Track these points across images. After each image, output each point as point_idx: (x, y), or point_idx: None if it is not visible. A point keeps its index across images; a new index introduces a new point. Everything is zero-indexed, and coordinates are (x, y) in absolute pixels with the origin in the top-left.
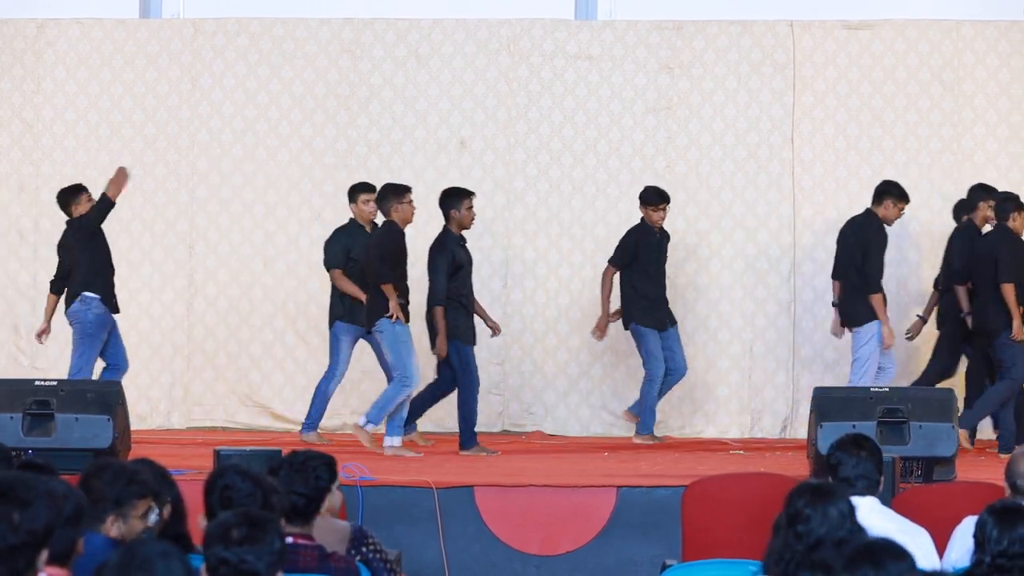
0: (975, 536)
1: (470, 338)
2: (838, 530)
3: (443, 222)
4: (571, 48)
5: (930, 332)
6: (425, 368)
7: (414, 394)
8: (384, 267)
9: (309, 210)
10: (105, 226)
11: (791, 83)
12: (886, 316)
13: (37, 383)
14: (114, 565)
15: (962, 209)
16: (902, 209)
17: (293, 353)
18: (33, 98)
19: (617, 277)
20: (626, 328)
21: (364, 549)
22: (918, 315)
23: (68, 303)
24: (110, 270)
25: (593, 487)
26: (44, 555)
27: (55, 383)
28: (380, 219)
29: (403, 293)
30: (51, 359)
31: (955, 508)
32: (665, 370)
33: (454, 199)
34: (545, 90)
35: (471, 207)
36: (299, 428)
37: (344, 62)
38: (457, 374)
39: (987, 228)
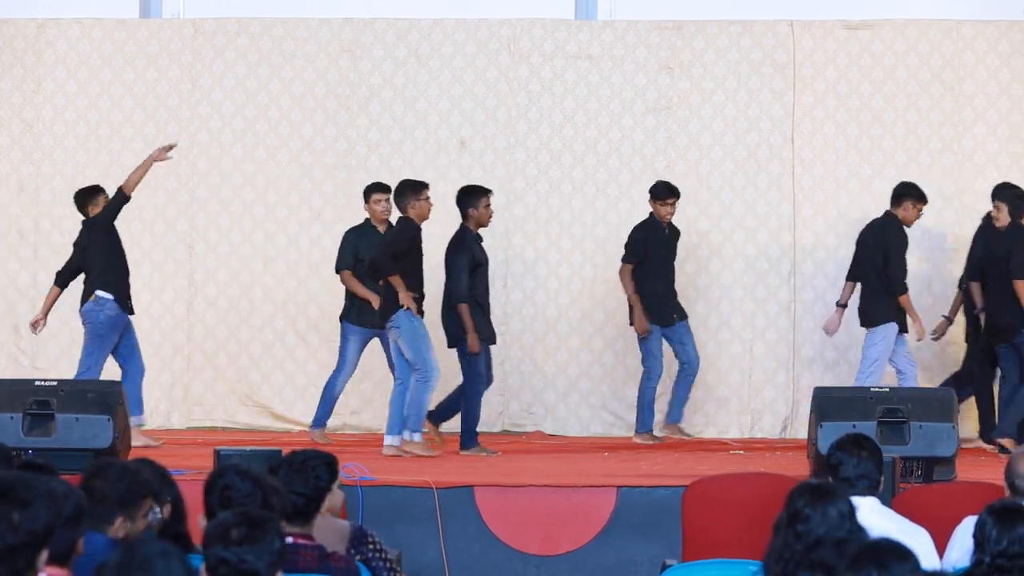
0: (974, 536)
1: (486, 337)
2: (837, 530)
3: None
4: (571, 48)
5: (955, 332)
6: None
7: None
8: (388, 260)
9: (309, 210)
10: None
11: (791, 83)
12: (916, 313)
13: (37, 383)
14: (114, 565)
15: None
16: (921, 210)
17: (293, 353)
18: (33, 98)
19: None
20: (631, 324)
21: (364, 549)
22: (944, 315)
23: (82, 301)
24: (125, 271)
25: (593, 487)
26: (44, 555)
27: (55, 383)
28: (395, 218)
29: (417, 287)
30: (51, 359)
31: (955, 508)
32: (679, 365)
33: (472, 197)
34: (545, 90)
35: (488, 204)
36: (299, 428)
37: (344, 62)
38: (463, 373)
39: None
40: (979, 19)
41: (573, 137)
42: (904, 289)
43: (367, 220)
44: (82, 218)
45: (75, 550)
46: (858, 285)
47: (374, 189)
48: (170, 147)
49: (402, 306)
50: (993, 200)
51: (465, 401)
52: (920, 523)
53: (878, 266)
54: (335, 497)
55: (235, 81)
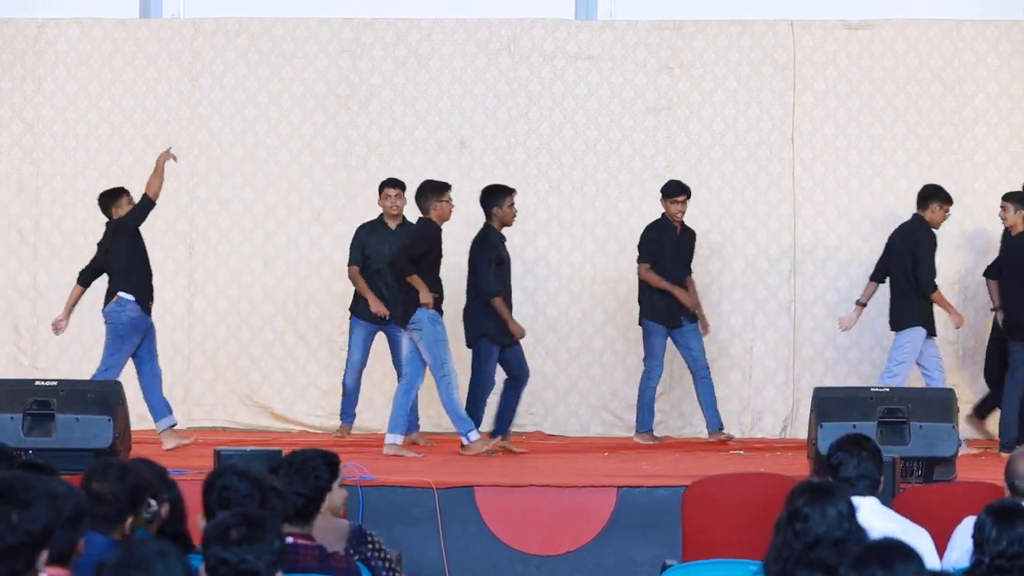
0: (974, 536)
1: (501, 338)
2: (836, 530)
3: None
4: (571, 48)
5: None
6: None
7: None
8: (406, 261)
9: (309, 210)
10: None
11: (791, 83)
12: (951, 305)
13: (37, 383)
14: (113, 564)
15: None
16: (947, 211)
17: (293, 353)
18: (34, 98)
19: (635, 271)
20: (640, 323)
21: (364, 549)
22: (993, 308)
23: (105, 302)
24: (148, 273)
25: (593, 487)
26: (44, 555)
27: (55, 383)
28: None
29: (436, 288)
30: (51, 359)
31: (955, 508)
32: (692, 376)
33: (497, 196)
34: (545, 90)
35: (512, 204)
36: (299, 428)
37: (344, 62)
38: (473, 371)
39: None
40: (979, 19)
41: (573, 137)
42: (934, 288)
43: (380, 216)
44: (105, 219)
45: (75, 550)
46: (879, 286)
47: (386, 184)
48: (167, 151)
49: (424, 306)
50: (1003, 202)
51: (470, 398)
52: (920, 523)
53: (907, 268)
54: (337, 496)
55: (235, 81)
